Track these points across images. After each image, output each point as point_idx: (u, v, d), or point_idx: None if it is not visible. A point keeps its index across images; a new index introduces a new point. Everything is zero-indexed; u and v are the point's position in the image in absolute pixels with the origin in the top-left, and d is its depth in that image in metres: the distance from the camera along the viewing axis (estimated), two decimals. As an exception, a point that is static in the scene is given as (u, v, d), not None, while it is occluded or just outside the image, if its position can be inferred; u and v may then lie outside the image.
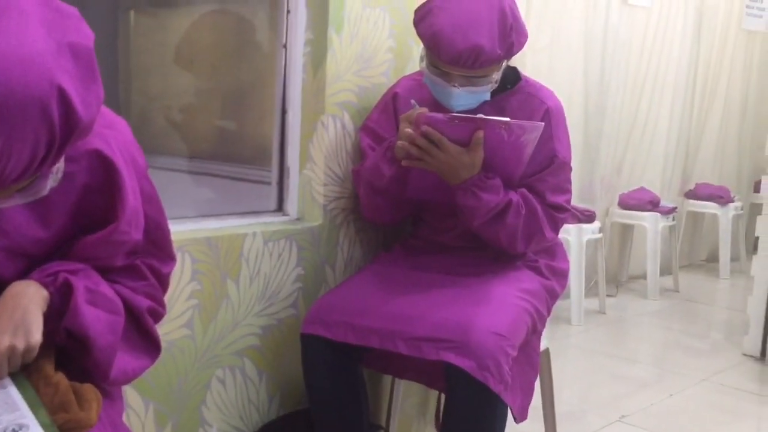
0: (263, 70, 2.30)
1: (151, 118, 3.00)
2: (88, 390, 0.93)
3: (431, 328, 1.51)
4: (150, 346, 1.10)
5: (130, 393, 1.48)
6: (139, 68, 2.98)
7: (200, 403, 1.62)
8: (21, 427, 0.85)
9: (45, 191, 0.88)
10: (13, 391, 0.90)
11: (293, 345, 1.75)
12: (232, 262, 1.67)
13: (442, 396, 1.98)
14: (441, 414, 1.96)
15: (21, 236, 0.96)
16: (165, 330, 1.49)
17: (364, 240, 1.96)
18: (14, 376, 0.93)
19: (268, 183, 1.94)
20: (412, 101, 1.65)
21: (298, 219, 1.88)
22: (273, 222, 1.83)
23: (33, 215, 0.98)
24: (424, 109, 1.55)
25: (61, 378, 0.94)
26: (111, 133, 1.03)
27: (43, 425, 0.85)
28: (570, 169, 1.76)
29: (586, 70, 4.04)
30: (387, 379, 1.99)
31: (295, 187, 1.89)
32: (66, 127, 0.81)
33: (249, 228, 1.73)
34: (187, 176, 2.65)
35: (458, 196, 1.61)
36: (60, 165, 0.90)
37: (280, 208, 1.90)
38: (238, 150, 2.65)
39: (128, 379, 1.06)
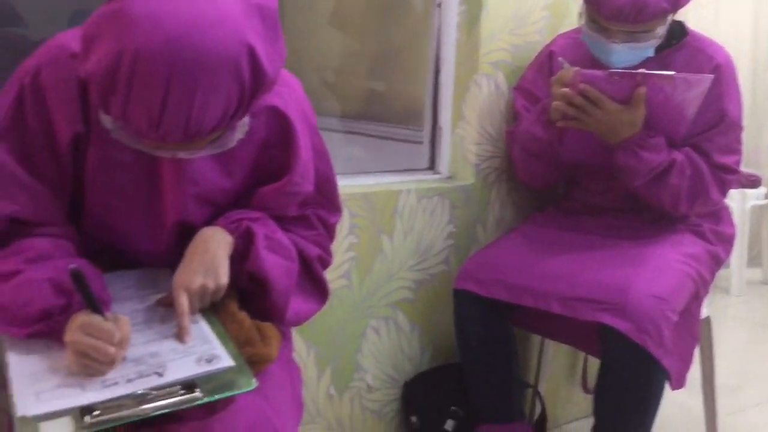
0: (416, 29, 2.32)
1: (303, 79, 3.12)
2: (270, 328, 1.02)
3: (587, 289, 1.49)
4: (319, 291, 1.18)
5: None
6: (293, 29, 3.10)
7: (356, 351, 1.71)
8: (213, 357, 0.94)
9: (232, 143, 0.96)
10: (204, 326, 1.00)
11: (445, 300, 1.79)
12: (387, 218, 1.72)
13: (589, 358, 1.96)
14: (587, 376, 1.94)
15: (210, 185, 1.05)
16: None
17: (515, 200, 1.96)
18: (204, 313, 1.03)
19: (420, 142, 1.97)
20: (560, 59, 1.61)
21: (449, 177, 1.91)
22: (426, 180, 1.87)
23: (220, 167, 1.06)
24: (576, 68, 1.51)
25: (245, 317, 1.02)
26: (286, 91, 1.10)
27: (232, 356, 0.94)
28: (741, 129, 1.66)
29: (756, 26, 3.73)
30: (535, 338, 1.99)
31: (448, 146, 1.91)
32: (254, 83, 0.87)
33: (403, 185, 1.78)
34: (340, 136, 2.74)
35: (618, 156, 1.56)
36: (246, 119, 0.97)
37: (431, 166, 1.94)
38: (390, 110, 2.70)
39: (300, 321, 1.14)
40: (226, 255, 1.02)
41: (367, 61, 2.89)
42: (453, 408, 1.68)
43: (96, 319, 0.90)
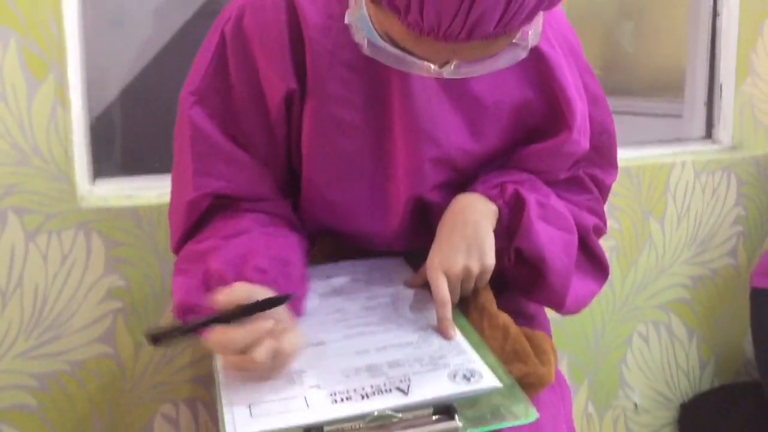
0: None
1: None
2: (543, 338, 0.75)
3: None
4: (597, 269, 0.89)
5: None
6: None
7: (619, 361, 1.39)
8: (473, 373, 0.69)
9: (524, 53, 0.68)
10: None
11: (731, 302, 1.43)
12: (656, 198, 1.39)
13: None
14: None
15: (450, 146, 0.81)
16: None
17: (824, 174, 1.52)
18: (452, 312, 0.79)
19: (677, 115, 1.60)
20: None
21: (734, 147, 1.52)
22: (703, 151, 1.50)
23: (466, 123, 0.82)
24: None
25: (507, 319, 0.76)
26: (546, 19, 0.81)
27: (496, 374, 0.69)
28: None
29: None
30: None
31: (730, 108, 1.52)
32: None
33: (675, 157, 1.43)
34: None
35: None
36: (539, 27, 0.68)
37: (708, 135, 1.56)
38: (634, 78, 2.31)
39: (579, 308, 0.87)
40: (491, 228, 0.77)
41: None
42: (753, 441, 1.31)
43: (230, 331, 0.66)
